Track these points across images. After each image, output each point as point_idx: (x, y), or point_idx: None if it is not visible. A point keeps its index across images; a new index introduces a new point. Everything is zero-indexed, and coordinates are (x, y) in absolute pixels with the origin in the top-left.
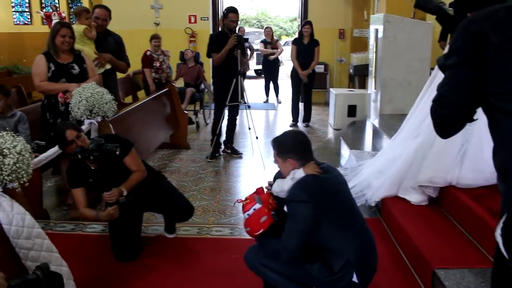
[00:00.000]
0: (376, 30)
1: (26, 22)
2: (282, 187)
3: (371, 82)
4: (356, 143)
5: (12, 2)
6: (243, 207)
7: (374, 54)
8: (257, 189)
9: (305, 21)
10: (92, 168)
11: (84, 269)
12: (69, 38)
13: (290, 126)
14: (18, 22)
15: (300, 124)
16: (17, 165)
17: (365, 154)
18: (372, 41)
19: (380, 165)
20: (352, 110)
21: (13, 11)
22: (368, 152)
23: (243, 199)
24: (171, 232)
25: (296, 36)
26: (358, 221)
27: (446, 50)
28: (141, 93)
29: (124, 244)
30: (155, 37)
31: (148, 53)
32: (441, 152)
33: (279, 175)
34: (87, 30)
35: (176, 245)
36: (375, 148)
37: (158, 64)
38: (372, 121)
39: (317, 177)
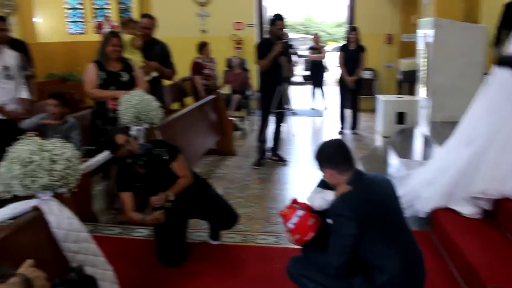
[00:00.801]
0: (426, 35)
1: (80, 32)
2: (313, 202)
3: (420, 88)
4: (405, 152)
5: (66, 13)
6: (284, 217)
7: (425, 59)
8: (292, 200)
9: (351, 27)
10: (140, 172)
11: (129, 273)
12: (119, 47)
13: (338, 133)
14: (73, 31)
15: (348, 131)
16: (66, 171)
17: (414, 163)
18: (421, 46)
19: (430, 174)
20: (400, 117)
21: (68, 21)
22: (418, 161)
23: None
24: (216, 239)
25: (343, 42)
26: (405, 235)
27: None
28: (188, 100)
29: (169, 250)
30: (206, 44)
31: (199, 60)
32: (496, 161)
33: (323, 184)
34: (133, 40)
35: (220, 252)
36: (425, 157)
37: (207, 71)
38: (422, 129)
39: (362, 190)
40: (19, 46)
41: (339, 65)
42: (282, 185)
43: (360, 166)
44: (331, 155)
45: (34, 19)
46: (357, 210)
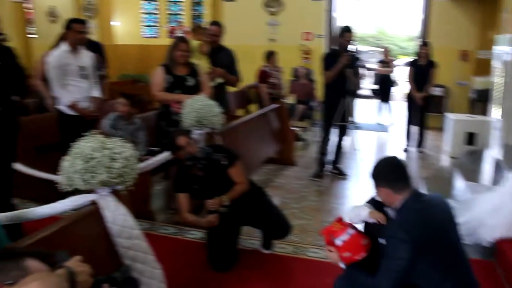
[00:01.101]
0: (503, 52)
1: (154, 36)
2: (347, 217)
3: (494, 109)
4: (472, 175)
5: (142, 17)
6: (332, 233)
7: (501, 78)
8: (337, 218)
9: (423, 42)
10: (198, 175)
11: (178, 273)
12: (187, 52)
13: (403, 150)
14: (147, 35)
15: (413, 149)
16: (124, 169)
17: (482, 188)
18: (497, 64)
19: (497, 201)
20: (470, 138)
21: (143, 25)
22: (486, 185)
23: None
24: (267, 248)
25: (414, 56)
26: (461, 263)
27: None
28: (252, 107)
29: (220, 254)
30: (273, 54)
31: (266, 69)
32: None
33: (373, 202)
34: (200, 45)
35: (270, 261)
36: (494, 182)
37: (273, 80)
38: (493, 152)
39: (419, 212)
40: (95, 47)
41: (407, 80)
42: (340, 199)
43: (422, 186)
44: (387, 173)
45: (112, 23)
46: (412, 233)
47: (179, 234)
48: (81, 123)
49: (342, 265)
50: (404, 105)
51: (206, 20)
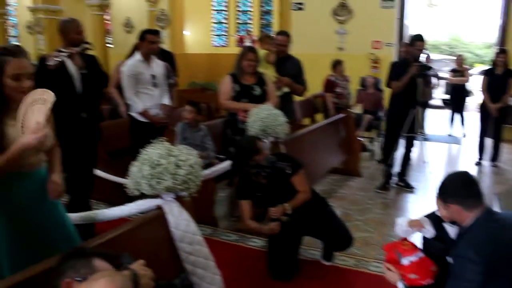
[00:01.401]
0: None
1: (223, 44)
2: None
3: None
4: None
5: (212, 27)
6: (400, 251)
7: None
8: (402, 238)
9: (500, 49)
10: (261, 183)
11: (238, 281)
12: (254, 61)
13: (475, 164)
14: (216, 44)
15: (486, 163)
16: (189, 176)
17: None
18: None
19: None
20: None
21: (213, 35)
22: None
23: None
24: (328, 259)
25: (491, 64)
26: None
27: None
28: (319, 116)
29: (280, 263)
30: (339, 63)
31: (332, 78)
32: None
33: (434, 217)
34: (267, 55)
35: (331, 273)
36: None
37: (340, 90)
38: None
39: (491, 230)
40: (166, 56)
41: (481, 90)
42: (405, 213)
43: (496, 203)
44: (457, 189)
45: (183, 32)
46: (483, 253)
47: (240, 241)
48: (151, 129)
49: (400, 286)
50: (478, 116)
51: (274, 29)
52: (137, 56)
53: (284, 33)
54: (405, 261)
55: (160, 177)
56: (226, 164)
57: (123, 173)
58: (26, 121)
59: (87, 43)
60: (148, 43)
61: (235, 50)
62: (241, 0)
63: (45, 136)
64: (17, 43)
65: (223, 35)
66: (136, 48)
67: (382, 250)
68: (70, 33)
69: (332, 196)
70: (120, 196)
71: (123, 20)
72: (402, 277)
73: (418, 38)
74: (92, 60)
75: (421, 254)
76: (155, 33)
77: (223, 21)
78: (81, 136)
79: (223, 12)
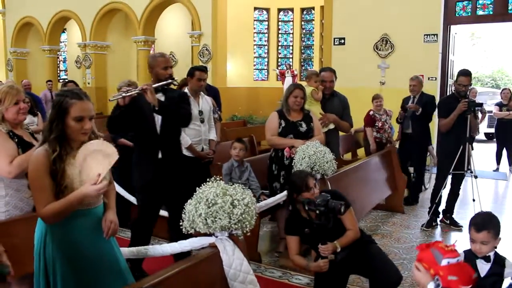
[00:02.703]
0: None
1: (263, 78)
2: None
3: None
4: None
5: (254, 61)
6: (440, 251)
7: None
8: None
9: None
10: (310, 219)
11: None
12: (301, 98)
13: None
14: (257, 78)
15: None
16: (243, 215)
17: None
18: None
19: None
20: None
21: (254, 69)
22: None
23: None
24: None
25: None
26: None
27: None
28: (360, 151)
29: None
30: (376, 97)
31: (371, 112)
32: None
33: (469, 253)
34: (314, 92)
35: None
36: None
37: (380, 124)
38: None
39: None
40: (211, 91)
41: None
42: None
43: None
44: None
45: (226, 67)
46: None
47: (284, 278)
48: (197, 164)
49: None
50: None
51: (315, 64)
52: (186, 91)
53: (329, 70)
54: (445, 261)
55: (216, 216)
56: (271, 200)
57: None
58: (86, 168)
59: (173, 79)
60: (196, 80)
61: (275, 84)
62: (282, 35)
63: (105, 188)
64: (70, 79)
65: (263, 69)
66: (183, 84)
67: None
68: (155, 67)
69: (375, 233)
70: (167, 231)
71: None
72: (440, 278)
73: (463, 73)
74: (179, 97)
75: (461, 259)
76: (204, 70)
77: (264, 55)
78: (157, 178)
79: (264, 46)
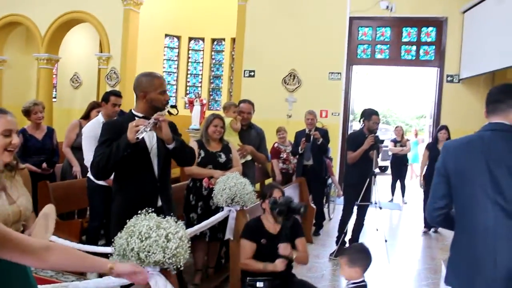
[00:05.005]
0: None
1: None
2: None
3: None
4: None
5: None
6: None
7: None
8: None
9: (441, 126)
10: (270, 232)
11: None
12: (221, 127)
13: (422, 233)
14: None
15: (430, 231)
16: (178, 250)
17: None
18: None
19: None
20: None
21: None
22: None
23: None
24: None
25: (422, 133)
26: None
27: None
28: (268, 182)
29: None
30: (279, 130)
31: (276, 145)
32: None
33: None
34: (233, 122)
35: None
36: None
37: (285, 155)
38: None
39: None
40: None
41: (421, 164)
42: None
43: (444, 269)
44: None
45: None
46: None
47: None
48: (109, 193)
49: None
50: (417, 184)
51: (223, 94)
52: (99, 117)
53: (248, 102)
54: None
55: (149, 250)
56: (188, 231)
57: (76, 236)
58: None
59: (174, 106)
60: (111, 105)
61: (183, 112)
62: (192, 63)
63: None
64: None
65: (172, 96)
66: (92, 107)
67: None
68: (150, 92)
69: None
70: None
71: (71, 75)
72: None
73: (375, 113)
74: (170, 126)
75: None
76: (119, 95)
77: (173, 82)
78: None
79: (174, 74)
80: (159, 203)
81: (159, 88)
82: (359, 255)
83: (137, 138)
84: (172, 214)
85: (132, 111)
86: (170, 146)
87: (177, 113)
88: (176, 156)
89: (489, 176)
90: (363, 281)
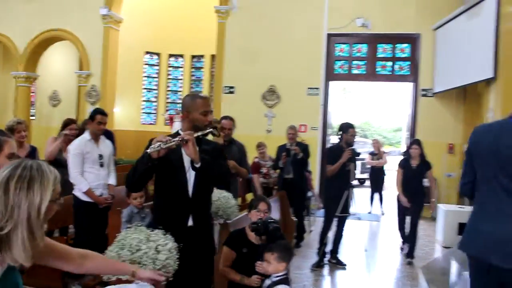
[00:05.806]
0: None
1: (152, 122)
2: None
3: None
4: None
5: (142, 105)
6: None
7: None
8: None
9: (413, 140)
10: (253, 242)
11: None
12: None
13: (400, 249)
14: (144, 122)
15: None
16: (167, 261)
17: None
18: None
19: None
20: (462, 228)
21: (142, 112)
22: None
23: None
24: None
25: (398, 146)
26: None
27: None
28: (249, 196)
29: None
30: (259, 145)
31: (256, 160)
32: None
33: None
34: (214, 139)
35: None
36: None
37: (265, 170)
38: None
39: None
40: (107, 135)
41: (396, 184)
42: None
43: (421, 276)
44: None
45: (114, 110)
46: None
47: None
48: (95, 209)
49: None
50: (394, 194)
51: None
52: (86, 135)
53: (229, 118)
54: None
55: (140, 262)
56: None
57: None
58: None
59: (214, 127)
60: (97, 123)
61: (163, 128)
62: (172, 80)
63: None
64: None
65: (152, 113)
66: (66, 124)
67: None
68: (193, 111)
69: None
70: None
71: (50, 93)
72: None
73: (352, 126)
74: (216, 150)
75: None
76: (105, 113)
77: (153, 99)
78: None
79: (154, 90)
80: (190, 222)
81: (201, 108)
82: (286, 252)
83: (158, 152)
84: (204, 236)
85: (179, 130)
86: (196, 166)
87: (219, 135)
88: (204, 176)
89: (498, 159)
90: (286, 274)
